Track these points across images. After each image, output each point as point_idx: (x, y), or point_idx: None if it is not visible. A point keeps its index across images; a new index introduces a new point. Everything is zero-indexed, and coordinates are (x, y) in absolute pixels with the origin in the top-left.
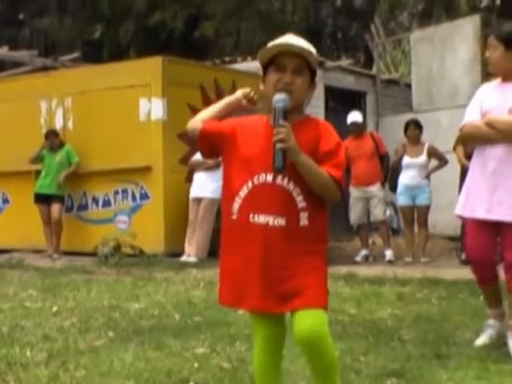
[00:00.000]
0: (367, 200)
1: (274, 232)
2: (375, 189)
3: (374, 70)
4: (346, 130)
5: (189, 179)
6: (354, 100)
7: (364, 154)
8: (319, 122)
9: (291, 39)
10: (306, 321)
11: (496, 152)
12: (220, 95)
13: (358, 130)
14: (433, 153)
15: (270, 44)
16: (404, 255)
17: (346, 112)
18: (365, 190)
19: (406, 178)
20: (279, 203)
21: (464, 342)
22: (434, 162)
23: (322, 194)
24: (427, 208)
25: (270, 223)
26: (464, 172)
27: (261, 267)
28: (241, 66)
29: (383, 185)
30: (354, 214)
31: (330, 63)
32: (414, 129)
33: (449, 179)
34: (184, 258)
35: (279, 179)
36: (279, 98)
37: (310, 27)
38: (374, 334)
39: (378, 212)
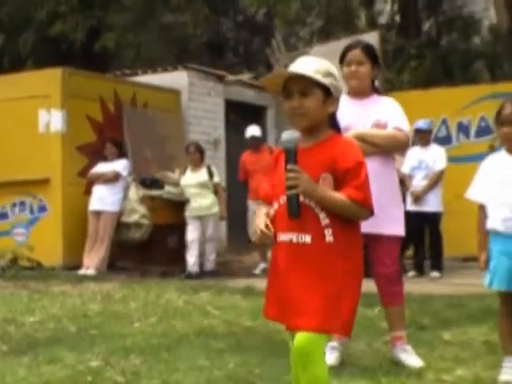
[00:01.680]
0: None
1: (297, 249)
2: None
3: None
4: (245, 144)
5: (88, 192)
6: (255, 114)
7: (262, 168)
8: (339, 140)
9: (297, 63)
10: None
11: (370, 166)
12: (119, 107)
13: (257, 143)
14: None
15: (269, 75)
16: None
17: (247, 126)
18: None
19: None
20: (302, 220)
21: (357, 352)
22: None
23: (346, 216)
24: None
25: (294, 240)
26: None
27: (284, 284)
28: (141, 78)
29: None
30: (253, 228)
31: (230, 77)
32: None
33: None
34: (82, 271)
35: (301, 196)
36: (286, 138)
37: (211, 41)
38: (269, 346)
39: None
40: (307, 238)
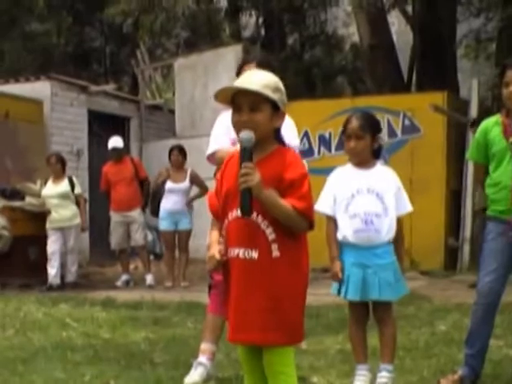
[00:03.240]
0: (128, 225)
1: (245, 264)
2: (135, 214)
3: (139, 96)
4: (108, 155)
5: None
6: (118, 125)
7: (124, 179)
8: (287, 153)
9: (247, 77)
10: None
11: None
12: None
13: (118, 154)
14: (194, 179)
15: (221, 88)
16: (165, 280)
17: (110, 136)
18: (125, 214)
19: (168, 203)
20: (249, 236)
21: (216, 364)
22: (195, 189)
23: (289, 225)
24: (189, 233)
25: (241, 255)
26: None
27: (235, 300)
28: (3, 87)
29: (144, 209)
30: (115, 239)
31: (94, 88)
32: (177, 154)
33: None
34: None
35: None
36: (244, 138)
37: (75, 51)
38: (126, 357)
39: (139, 237)
40: (254, 254)
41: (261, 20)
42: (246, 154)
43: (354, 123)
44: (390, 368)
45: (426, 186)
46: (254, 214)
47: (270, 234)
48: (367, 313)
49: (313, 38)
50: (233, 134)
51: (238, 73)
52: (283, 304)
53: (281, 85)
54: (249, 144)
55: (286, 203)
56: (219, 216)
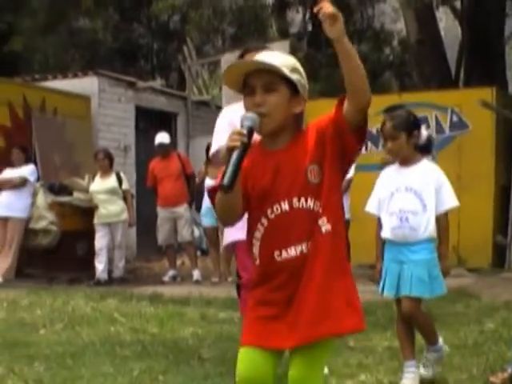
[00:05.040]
0: (174, 220)
1: (298, 261)
2: (182, 209)
3: (186, 92)
4: (154, 151)
5: None
6: (165, 121)
7: (171, 175)
8: (310, 125)
9: (260, 56)
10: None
11: None
12: (28, 113)
13: (165, 150)
14: None
15: (228, 65)
16: (212, 275)
17: (157, 132)
18: (172, 210)
19: (208, 199)
20: (306, 227)
21: None
22: None
23: (356, 90)
24: None
25: (305, 250)
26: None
27: (296, 300)
28: (51, 83)
29: (190, 205)
30: (162, 235)
31: (141, 83)
32: None
33: None
34: None
35: (295, 202)
36: (246, 116)
37: (123, 47)
38: (174, 353)
39: (185, 233)
40: (304, 248)
41: (307, 16)
42: (247, 132)
43: (387, 125)
44: (435, 347)
45: (474, 183)
46: (303, 200)
47: (323, 224)
48: None
49: (360, 34)
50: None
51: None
52: (347, 287)
53: (299, 66)
54: (251, 123)
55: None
56: (239, 217)
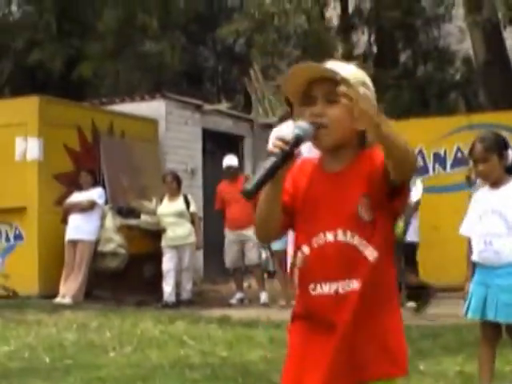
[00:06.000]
0: (242, 243)
1: (344, 298)
2: (250, 232)
3: (252, 114)
4: (221, 173)
5: (64, 221)
6: (232, 143)
7: (239, 198)
8: (372, 152)
9: (326, 65)
10: None
11: None
12: (96, 136)
13: (233, 173)
14: None
15: (290, 71)
16: (279, 298)
17: (224, 155)
18: (240, 233)
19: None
20: (348, 263)
21: None
22: None
23: (399, 165)
24: None
25: (341, 290)
26: None
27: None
28: (119, 107)
29: None
30: (229, 257)
31: (208, 106)
32: None
33: None
34: (58, 300)
35: (340, 235)
36: (297, 125)
37: (189, 70)
38: (243, 376)
39: (253, 255)
40: (355, 284)
41: (373, 37)
42: (295, 141)
43: (478, 147)
44: None
45: None
46: (348, 234)
47: (372, 252)
48: (498, 333)
49: (425, 55)
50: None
51: None
52: (392, 331)
53: (369, 81)
54: (302, 132)
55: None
56: (276, 234)
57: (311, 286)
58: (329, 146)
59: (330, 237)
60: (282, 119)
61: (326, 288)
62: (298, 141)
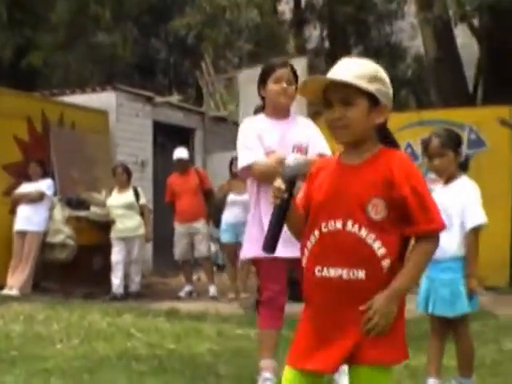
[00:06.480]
0: (192, 236)
1: (349, 285)
2: (200, 225)
3: (203, 107)
4: (172, 166)
5: (13, 211)
6: (183, 136)
7: (189, 190)
8: (392, 156)
9: (338, 67)
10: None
11: None
12: (47, 127)
13: (184, 166)
14: None
15: (304, 80)
16: (228, 291)
17: (175, 148)
18: (189, 225)
19: (230, 215)
20: (354, 253)
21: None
22: None
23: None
24: None
25: (345, 276)
26: None
27: (331, 322)
28: (69, 98)
29: (208, 221)
30: (179, 250)
31: (159, 99)
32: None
33: None
34: (5, 292)
35: (349, 226)
36: (288, 165)
37: (141, 62)
38: (191, 369)
39: (203, 248)
40: (361, 273)
41: (325, 32)
42: (287, 182)
43: (435, 142)
44: (463, 381)
45: (492, 200)
46: (357, 226)
47: (379, 248)
48: (446, 327)
49: (378, 51)
50: (265, 143)
51: (265, 78)
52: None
53: (382, 73)
54: (292, 172)
55: (415, 261)
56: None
57: (318, 267)
58: (350, 142)
59: (338, 225)
60: (256, 112)
61: (332, 272)
62: (292, 182)
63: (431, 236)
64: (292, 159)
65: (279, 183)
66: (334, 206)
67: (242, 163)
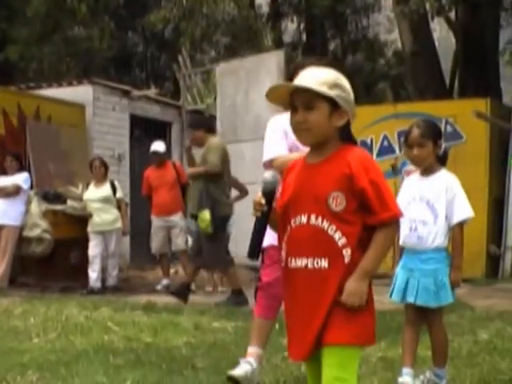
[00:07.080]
0: (169, 229)
1: (314, 274)
2: (177, 218)
3: (180, 101)
4: (149, 160)
5: None
6: (160, 130)
7: (166, 184)
8: (350, 152)
9: (302, 75)
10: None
11: None
12: (23, 121)
13: (160, 159)
14: (234, 184)
15: (271, 86)
16: (205, 284)
17: (152, 141)
18: (166, 219)
19: None
20: (317, 244)
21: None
22: (235, 193)
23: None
24: (228, 237)
25: (309, 265)
26: None
27: (301, 312)
28: (46, 91)
29: (184, 214)
30: (156, 243)
31: (136, 92)
32: None
33: (249, 210)
34: None
35: (313, 219)
36: (265, 180)
37: (117, 56)
38: (167, 362)
39: (180, 241)
40: (324, 263)
41: (302, 25)
42: (267, 196)
43: (415, 132)
44: (438, 372)
45: (468, 193)
46: (319, 219)
47: (340, 239)
48: (421, 317)
49: (355, 44)
50: (290, 138)
51: (291, 78)
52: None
53: (342, 81)
54: (268, 186)
55: (377, 245)
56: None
57: (289, 259)
58: (312, 143)
59: (304, 219)
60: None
61: (299, 262)
62: (270, 194)
63: (390, 224)
64: (270, 175)
65: (259, 197)
66: (299, 202)
67: (265, 157)
